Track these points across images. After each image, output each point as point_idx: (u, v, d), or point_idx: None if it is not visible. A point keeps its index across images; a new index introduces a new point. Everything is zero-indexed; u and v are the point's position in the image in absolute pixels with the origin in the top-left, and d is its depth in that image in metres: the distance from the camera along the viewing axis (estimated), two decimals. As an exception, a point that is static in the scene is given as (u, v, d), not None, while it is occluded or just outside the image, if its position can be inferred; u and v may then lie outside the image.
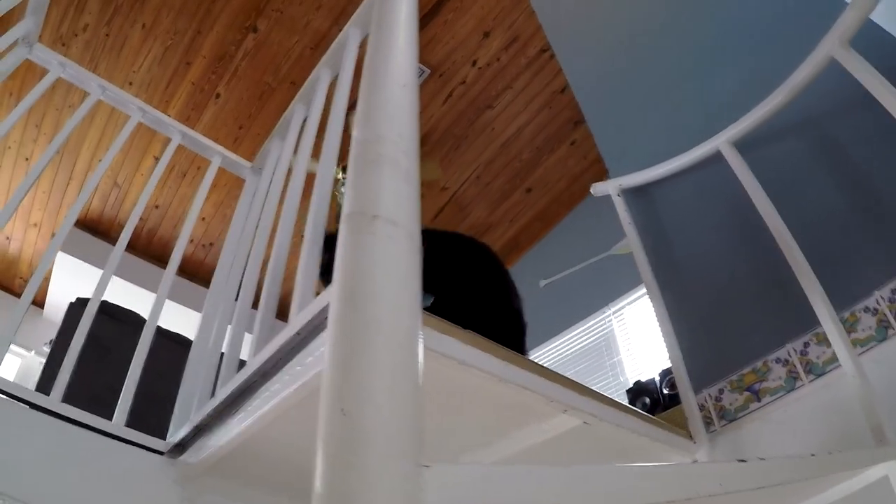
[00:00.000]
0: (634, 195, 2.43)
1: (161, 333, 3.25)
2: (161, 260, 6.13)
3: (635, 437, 1.45)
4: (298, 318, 1.11)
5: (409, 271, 0.81)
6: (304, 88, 2.19)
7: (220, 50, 4.84)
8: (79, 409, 1.65)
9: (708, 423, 1.89)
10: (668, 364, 3.08)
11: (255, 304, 1.67)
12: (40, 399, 1.62)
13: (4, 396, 1.56)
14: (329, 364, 0.72)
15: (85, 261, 5.86)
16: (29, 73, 4.63)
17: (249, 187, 2.57)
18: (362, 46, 1.88)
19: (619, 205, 2.37)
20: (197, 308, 5.97)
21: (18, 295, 6.62)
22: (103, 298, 3.26)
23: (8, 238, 6.13)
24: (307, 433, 1.41)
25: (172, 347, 2.96)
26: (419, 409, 0.70)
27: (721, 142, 2.13)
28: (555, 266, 5.73)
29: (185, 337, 3.21)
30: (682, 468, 1.43)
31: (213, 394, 1.60)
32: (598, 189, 2.47)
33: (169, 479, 1.64)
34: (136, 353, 1.95)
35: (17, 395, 1.59)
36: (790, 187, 2.04)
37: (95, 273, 6.06)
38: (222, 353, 1.75)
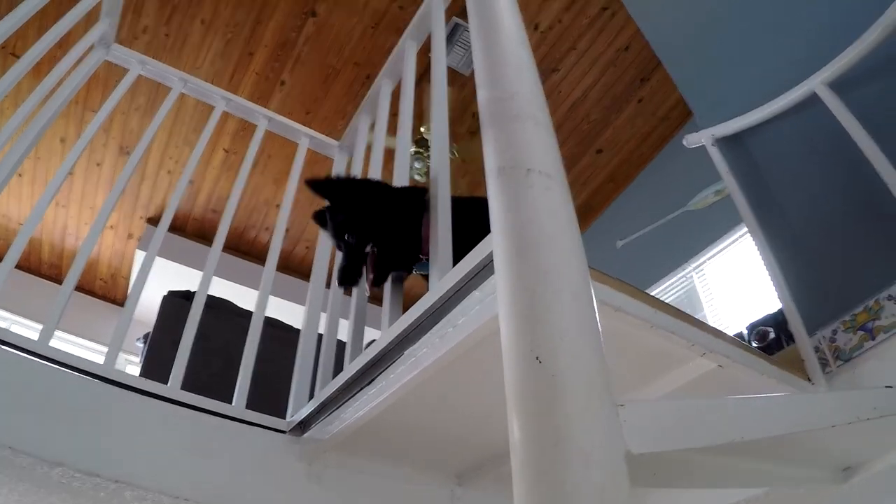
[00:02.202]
0: (728, 143, 2.38)
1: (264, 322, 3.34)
2: (235, 249, 6.25)
3: (763, 378, 1.44)
4: (439, 285, 1.12)
5: (570, 220, 0.81)
6: (389, 62, 2.20)
7: (281, 37, 4.88)
8: (198, 395, 1.70)
9: (823, 364, 1.87)
10: (754, 318, 3.05)
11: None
12: (161, 389, 1.67)
13: (126, 389, 1.61)
14: (512, 315, 0.72)
15: (163, 257, 5.98)
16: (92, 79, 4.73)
17: (338, 165, 2.59)
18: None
19: (715, 154, 2.33)
20: (276, 293, 6.10)
21: (98, 296, 6.87)
22: (188, 289, 3.36)
23: (86, 241, 6.30)
24: (437, 405, 1.44)
25: (266, 331, 3.03)
26: (603, 351, 0.71)
27: (816, 83, 2.09)
28: (631, 226, 5.67)
29: (278, 321, 3.27)
30: (843, 395, 1.43)
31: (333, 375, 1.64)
32: (691, 140, 2.43)
33: (294, 456, 1.69)
34: (248, 339, 1.99)
35: (138, 386, 1.63)
36: (891, 125, 1.98)
37: (172, 267, 6.26)
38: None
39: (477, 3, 1.30)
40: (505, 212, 0.82)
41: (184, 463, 1.54)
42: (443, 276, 1.13)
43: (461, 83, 5.11)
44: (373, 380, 1.34)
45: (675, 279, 5.15)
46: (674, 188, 5.36)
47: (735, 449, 1.02)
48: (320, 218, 1.82)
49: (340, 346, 1.97)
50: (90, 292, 6.82)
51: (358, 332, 1.58)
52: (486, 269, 1.00)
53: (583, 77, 5.30)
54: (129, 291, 6.44)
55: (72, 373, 1.57)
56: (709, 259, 4.95)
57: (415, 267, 1.58)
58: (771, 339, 2.82)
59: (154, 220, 6.23)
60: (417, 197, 1.61)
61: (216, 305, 3.48)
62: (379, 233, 1.60)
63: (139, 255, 5.98)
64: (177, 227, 6.22)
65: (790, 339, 2.68)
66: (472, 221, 1.34)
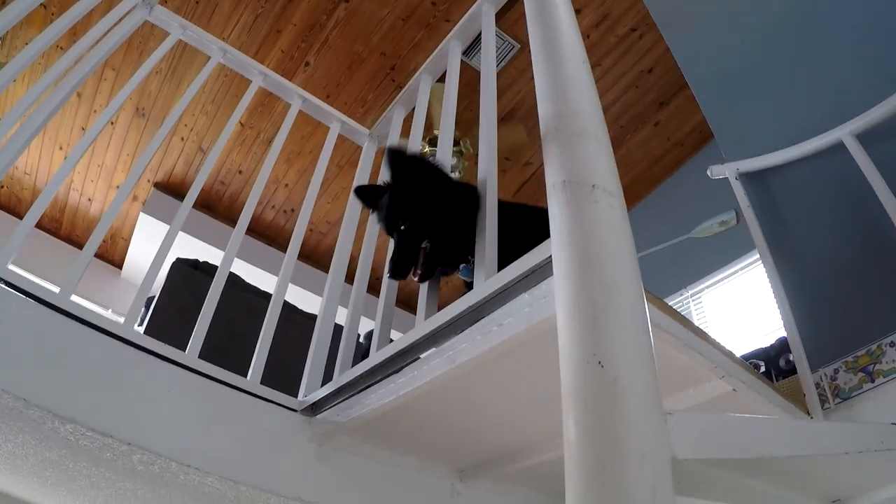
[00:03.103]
0: (750, 178, 2.45)
1: (266, 298, 3.37)
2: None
3: (770, 407, 1.49)
4: (485, 285, 1.16)
5: (629, 238, 0.86)
6: (431, 59, 2.24)
7: (311, 19, 4.90)
8: (215, 366, 1.71)
9: (823, 400, 1.94)
10: (748, 349, 3.11)
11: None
12: (179, 356, 1.67)
13: (145, 352, 1.61)
14: (574, 321, 0.77)
15: (166, 222, 5.96)
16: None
17: (368, 153, 2.62)
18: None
19: (737, 188, 2.41)
20: (276, 273, 6.10)
21: (98, 255, 6.85)
22: (201, 258, 3.37)
23: (90, 199, 6.31)
24: (457, 402, 1.48)
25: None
26: (655, 362, 0.76)
27: (844, 133, 2.17)
28: (633, 246, 5.71)
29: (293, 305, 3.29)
30: (856, 426, 1.49)
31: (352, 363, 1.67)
32: (715, 171, 2.50)
33: (305, 436, 1.71)
34: (266, 319, 2.00)
35: (158, 351, 1.63)
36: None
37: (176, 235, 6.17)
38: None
39: (539, 19, 1.34)
40: (569, 224, 0.87)
41: (196, 431, 1.54)
42: (489, 277, 1.17)
43: (484, 87, 5.14)
44: (401, 368, 1.37)
45: (671, 304, 5.21)
46: (679, 214, 5.43)
47: (750, 467, 1.08)
48: (366, 194, 1.74)
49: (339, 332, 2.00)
50: (89, 250, 6.81)
51: (386, 321, 1.61)
52: (535, 273, 1.04)
53: (604, 94, 5.35)
54: (127, 253, 6.47)
55: (91, 330, 1.55)
56: (707, 288, 5.01)
57: (461, 268, 1.54)
58: (762, 372, 2.88)
59: (161, 185, 6.23)
60: (475, 197, 1.49)
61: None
62: (439, 226, 1.51)
63: (143, 218, 5.98)
64: (181, 195, 6.21)
65: (780, 374, 2.76)
66: (514, 226, 1.38)
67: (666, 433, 0.71)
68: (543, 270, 1.02)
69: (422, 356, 1.32)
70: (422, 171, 1.59)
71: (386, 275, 1.58)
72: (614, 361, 0.71)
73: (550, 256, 0.94)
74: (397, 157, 1.59)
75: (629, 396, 0.69)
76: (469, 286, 1.58)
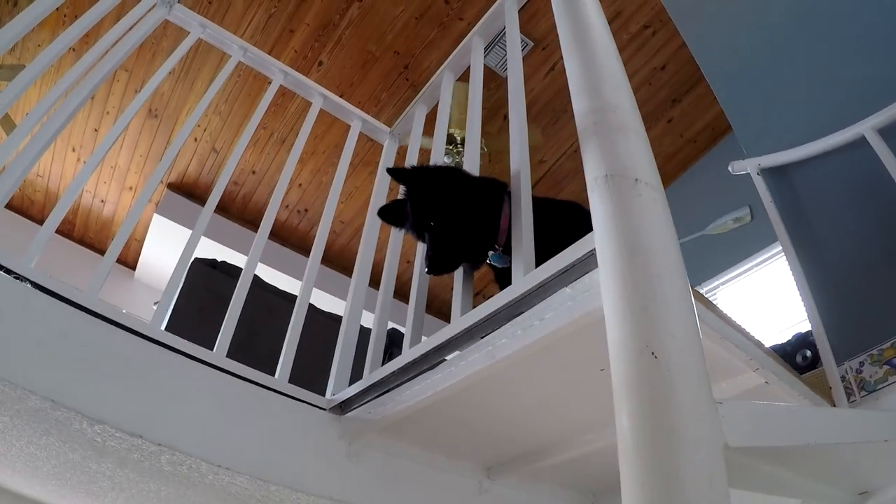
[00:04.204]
0: (772, 173, 2.45)
1: (284, 297, 3.38)
2: (254, 224, 6.26)
3: (800, 399, 1.49)
4: (524, 280, 1.17)
5: (672, 230, 0.87)
6: (453, 56, 2.25)
7: (324, 18, 4.92)
8: (243, 365, 1.70)
9: (848, 393, 1.94)
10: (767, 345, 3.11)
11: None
12: (207, 355, 1.66)
13: (173, 352, 1.60)
14: (625, 313, 0.78)
15: (179, 223, 6.03)
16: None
17: (388, 151, 2.63)
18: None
19: (759, 183, 2.41)
20: (291, 273, 6.11)
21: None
22: (217, 258, 3.39)
23: (103, 201, 6.33)
24: (492, 397, 1.48)
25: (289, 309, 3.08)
26: (703, 352, 0.76)
27: (867, 128, 2.16)
28: (647, 243, 5.72)
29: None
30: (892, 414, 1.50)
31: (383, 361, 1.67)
32: (736, 167, 2.50)
33: (335, 434, 1.71)
34: (292, 319, 2.00)
35: (186, 350, 1.62)
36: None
37: (188, 235, 6.14)
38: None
39: (568, 14, 1.35)
40: (613, 217, 0.88)
41: (225, 431, 1.54)
42: (527, 272, 1.18)
43: (497, 83, 5.15)
44: (436, 364, 1.38)
45: (687, 300, 5.20)
46: (693, 211, 5.42)
47: (782, 457, 1.09)
48: (388, 213, 1.80)
49: (363, 332, 2.00)
50: (101, 251, 6.84)
51: (418, 318, 1.61)
52: (576, 267, 1.05)
53: (617, 91, 5.34)
54: (141, 254, 6.48)
55: (119, 330, 1.54)
56: (723, 284, 5.01)
57: (490, 256, 1.59)
58: (780, 368, 2.89)
59: (175, 186, 6.26)
60: (497, 188, 1.62)
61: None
62: (459, 220, 1.58)
63: (157, 219, 6.00)
64: (196, 196, 6.26)
65: (797, 370, 2.76)
66: (547, 222, 1.39)
67: (717, 421, 0.72)
68: (585, 264, 1.02)
69: (459, 352, 1.32)
70: (431, 173, 1.68)
71: (423, 270, 1.63)
72: (667, 352, 0.72)
73: (592, 250, 0.94)
74: (401, 172, 1.70)
75: (682, 386, 0.70)
76: (499, 271, 1.64)
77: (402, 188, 1.72)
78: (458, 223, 1.58)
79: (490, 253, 1.59)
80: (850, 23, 2.49)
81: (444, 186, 1.64)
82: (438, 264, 1.55)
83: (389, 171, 1.71)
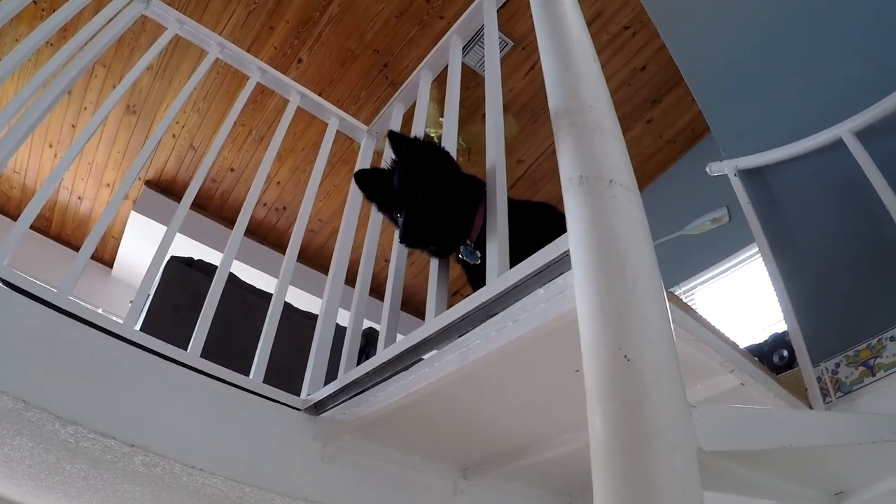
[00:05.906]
0: (749, 175, 2.46)
1: (261, 296, 3.36)
2: (229, 220, 6.25)
3: (776, 401, 1.50)
4: (499, 281, 1.16)
5: (647, 233, 0.86)
6: (431, 55, 2.24)
7: (304, 15, 4.88)
8: (217, 365, 1.68)
9: (824, 394, 1.96)
10: (741, 345, 3.14)
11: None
12: (181, 355, 1.64)
13: (146, 352, 1.58)
14: (598, 315, 0.77)
15: (157, 221, 5.96)
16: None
17: (366, 150, 2.62)
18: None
19: (737, 184, 2.42)
20: (269, 271, 6.08)
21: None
22: (194, 257, 3.36)
23: (80, 198, 6.25)
24: (467, 398, 1.48)
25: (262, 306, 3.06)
26: (678, 356, 0.76)
27: (844, 130, 2.19)
28: (625, 244, 5.75)
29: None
30: (871, 416, 1.50)
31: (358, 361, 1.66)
32: (714, 168, 2.51)
33: (310, 435, 1.69)
34: (267, 318, 1.97)
35: (159, 350, 1.61)
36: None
37: (164, 231, 6.10)
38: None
39: (545, 12, 1.35)
40: (588, 219, 0.87)
41: (199, 432, 1.52)
42: (501, 273, 1.17)
43: (477, 83, 5.15)
44: (411, 365, 1.37)
45: (665, 300, 5.22)
46: (671, 211, 5.45)
47: (757, 459, 1.09)
48: (365, 179, 1.80)
49: (339, 331, 1.98)
50: (78, 248, 6.73)
51: (394, 317, 1.61)
52: (550, 269, 1.04)
53: (597, 91, 5.35)
54: (118, 252, 6.41)
55: (92, 330, 1.51)
56: (700, 285, 5.04)
57: (461, 251, 1.59)
58: (756, 368, 2.91)
59: (152, 183, 6.19)
60: (478, 185, 1.63)
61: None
62: (444, 198, 1.59)
63: (134, 217, 5.93)
64: (174, 194, 6.20)
65: (774, 370, 2.78)
66: (519, 223, 1.39)
67: (691, 426, 0.71)
68: (559, 265, 1.02)
69: (434, 352, 1.32)
70: (429, 147, 1.69)
71: (397, 241, 1.64)
72: (640, 355, 0.71)
73: (567, 252, 0.94)
74: (402, 137, 1.68)
75: (656, 390, 0.70)
76: (471, 271, 1.63)
77: (390, 159, 1.71)
78: (443, 200, 1.58)
79: (461, 247, 1.58)
80: (828, 26, 2.51)
81: (437, 161, 1.65)
82: (414, 235, 1.56)
83: (390, 134, 1.68)
